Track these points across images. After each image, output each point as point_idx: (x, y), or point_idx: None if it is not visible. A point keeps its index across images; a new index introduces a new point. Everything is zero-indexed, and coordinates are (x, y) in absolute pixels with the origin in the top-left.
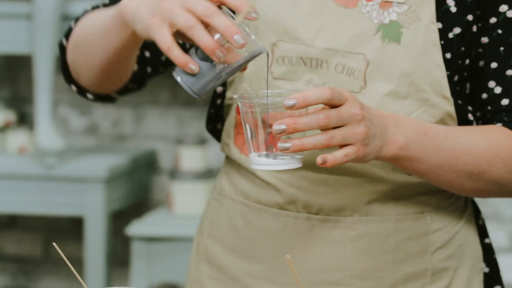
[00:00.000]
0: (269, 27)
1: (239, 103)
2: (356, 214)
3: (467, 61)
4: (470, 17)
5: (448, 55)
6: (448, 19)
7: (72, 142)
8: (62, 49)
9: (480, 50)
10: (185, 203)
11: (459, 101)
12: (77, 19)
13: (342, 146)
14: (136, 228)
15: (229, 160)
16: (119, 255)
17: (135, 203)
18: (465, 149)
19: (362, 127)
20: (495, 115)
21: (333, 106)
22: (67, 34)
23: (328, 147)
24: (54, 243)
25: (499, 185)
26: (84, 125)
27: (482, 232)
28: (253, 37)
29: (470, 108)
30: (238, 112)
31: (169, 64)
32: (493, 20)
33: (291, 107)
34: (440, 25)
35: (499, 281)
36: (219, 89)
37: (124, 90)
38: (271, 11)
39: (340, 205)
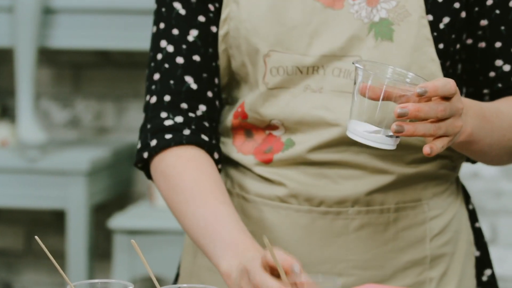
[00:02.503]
0: (260, 37)
1: (359, 70)
2: (357, 205)
3: (458, 46)
4: (457, 5)
5: (441, 46)
6: (437, 10)
7: (54, 135)
8: (142, 160)
9: (480, 32)
10: None
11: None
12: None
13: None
14: (118, 221)
15: (224, 157)
16: (101, 248)
17: (117, 196)
18: (510, 125)
19: (460, 121)
20: (508, 91)
21: (446, 98)
22: (147, 157)
23: (432, 137)
24: (36, 237)
25: None
26: (66, 118)
27: (472, 217)
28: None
29: (464, 89)
30: (235, 116)
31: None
32: (489, 2)
33: (421, 95)
34: (430, 17)
35: (489, 264)
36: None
37: None
38: (261, 22)
39: (341, 197)
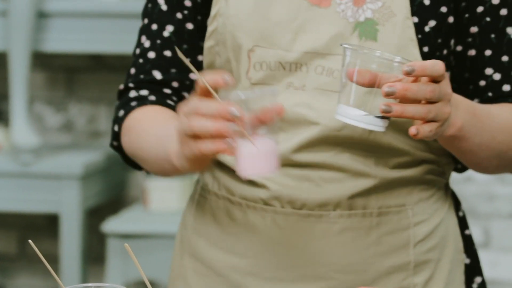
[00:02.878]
0: (245, 32)
1: (347, 51)
2: (339, 208)
3: (445, 52)
4: (444, 9)
5: (426, 49)
6: (423, 13)
7: (47, 139)
8: (116, 134)
9: (470, 39)
10: (160, 200)
11: None
12: (121, 94)
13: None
14: (111, 225)
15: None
16: (94, 252)
17: (110, 200)
18: (500, 128)
19: (449, 107)
20: (498, 100)
21: (434, 80)
22: (119, 121)
23: (422, 120)
24: (30, 241)
25: None
26: (60, 122)
27: (462, 224)
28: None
29: None
30: None
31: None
32: (480, 9)
33: (409, 73)
34: (416, 19)
35: (479, 272)
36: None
37: None
38: (247, 17)
39: (323, 200)
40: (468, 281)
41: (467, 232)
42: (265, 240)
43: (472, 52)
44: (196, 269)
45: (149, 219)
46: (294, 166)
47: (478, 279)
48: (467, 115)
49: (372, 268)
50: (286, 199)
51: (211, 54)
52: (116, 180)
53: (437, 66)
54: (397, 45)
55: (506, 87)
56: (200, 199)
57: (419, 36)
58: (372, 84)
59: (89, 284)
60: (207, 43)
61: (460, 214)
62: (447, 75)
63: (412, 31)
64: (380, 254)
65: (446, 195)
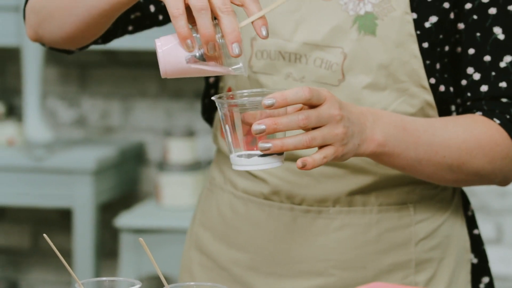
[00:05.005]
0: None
1: (217, 104)
2: (338, 205)
3: (447, 48)
4: (446, 5)
5: (426, 45)
6: (423, 9)
7: (60, 134)
8: None
9: (457, 36)
10: (173, 195)
11: (451, 88)
12: None
13: (321, 146)
14: (124, 220)
15: (218, 150)
16: (107, 247)
17: (123, 195)
18: (444, 142)
19: (341, 127)
20: (475, 103)
21: (312, 106)
22: None
23: (309, 148)
24: (44, 235)
25: (479, 175)
26: (73, 117)
27: (471, 223)
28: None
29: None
30: None
31: (139, 26)
32: (468, 6)
33: (269, 107)
34: (415, 15)
35: (487, 272)
36: (212, 79)
37: (85, 46)
38: None
39: (323, 196)
40: (475, 281)
41: (475, 231)
42: (266, 235)
43: (459, 49)
44: (201, 263)
45: (162, 214)
46: (294, 161)
47: (485, 279)
48: (391, 130)
49: (372, 265)
50: (285, 194)
51: None
52: (129, 175)
53: (300, 92)
54: (395, 40)
55: (484, 88)
56: (208, 193)
57: (418, 32)
58: (244, 122)
59: (103, 278)
60: None
61: (469, 213)
62: (330, 96)
63: (411, 27)
64: (380, 251)
65: (453, 195)
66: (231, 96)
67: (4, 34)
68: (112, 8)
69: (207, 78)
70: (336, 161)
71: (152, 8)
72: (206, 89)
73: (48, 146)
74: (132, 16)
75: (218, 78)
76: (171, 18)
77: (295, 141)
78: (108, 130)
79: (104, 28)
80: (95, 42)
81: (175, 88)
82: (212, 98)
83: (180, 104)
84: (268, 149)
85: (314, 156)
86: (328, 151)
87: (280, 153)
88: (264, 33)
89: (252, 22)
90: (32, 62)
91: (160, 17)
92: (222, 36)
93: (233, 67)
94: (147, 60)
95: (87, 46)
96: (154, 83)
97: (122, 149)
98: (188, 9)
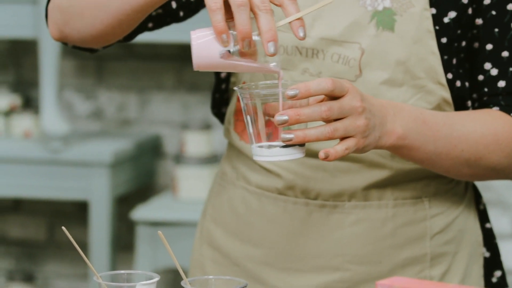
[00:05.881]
0: None
1: (239, 95)
2: (354, 199)
3: (464, 43)
4: (465, 0)
5: (444, 40)
6: (442, 4)
7: (77, 127)
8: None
9: (475, 31)
10: (190, 188)
11: (466, 83)
12: None
13: (342, 138)
14: (140, 212)
15: (230, 145)
16: (123, 240)
17: (140, 188)
18: (463, 136)
19: (363, 119)
20: (492, 98)
21: (334, 97)
22: None
23: (330, 140)
24: (63, 227)
25: (495, 170)
26: (89, 110)
27: (483, 217)
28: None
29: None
30: (238, 99)
31: (159, 23)
32: (487, 1)
33: (292, 97)
34: (434, 11)
35: (499, 265)
36: (223, 74)
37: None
38: None
39: (338, 191)
40: (488, 275)
41: (487, 225)
42: (280, 230)
43: (476, 45)
44: (213, 258)
45: (178, 207)
46: (310, 156)
47: (497, 273)
48: (411, 123)
49: (387, 260)
50: (300, 189)
51: None
52: (145, 168)
53: (322, 83)
54: (413, 37)
55: (501, 83)
56: (219, 189)
57: (437, 27)
58: (266, 114)
59: (121, 271)
60: None
61: (481, 207)
62: (352, 87)
63: (429, 23)
64: (395, 245)
65: (466, 189)
66: (253, 86)
67: (21, 26)
68: (148, 4)
69: (218, 73)
70: (357, 153)
71: (174, 5)
72: (216, 84)
73: (65, 138)
74: (154, 13)
75: (229, 73)
76: (209, 12)
77: (317, 132)
78: (124, 123)
79: (135, 25)
80: (118, 41)
81: (191, 81)
82: (234, 88)
83: (196, 97)
84: (290, 140)
85: (336, 147)
86: (350, 143)
87: (301, 145)
88: (301, 34)
89: (289, 23)
90: (49, 54)
91: (181, 14)
92: (258, 34)
93: (267, 65)
94: (164, 53)
95: (111, 44)
96: (171, 76)
97: (139, 142)
98: (225, 4)
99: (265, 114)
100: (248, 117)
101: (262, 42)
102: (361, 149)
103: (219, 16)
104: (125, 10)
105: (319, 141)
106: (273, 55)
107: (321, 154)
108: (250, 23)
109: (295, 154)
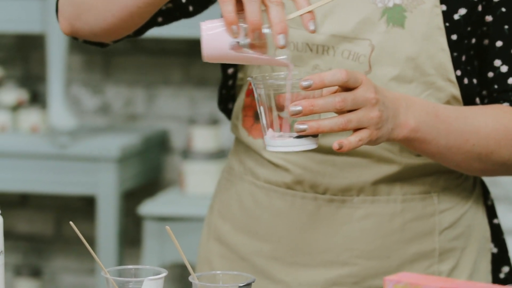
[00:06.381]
0: None
1: (253, 85)
2: (363, 194)
3: (473, 40)
4: None
5: (454, 37)
6: (452, 1)
7: (84, 122)
8: None
9: (485, 28)
10: (197, 183)
11: (474, 80)
12: None
13: (355, 129)
14: (148, 207)
15: (238, 140)
16: (131, 235)
17: (147, 183)
18: (474, 131)
19: (376, 111)
20: (502, 95)
21: (348, 88)
22: None
23: (343, 131)
24: (71, 222)
25: (506, 165)
26: (97, 105)
27: (491, 213)
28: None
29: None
30: (247, 94)
31: (168, 17)
32: None
33: (307, 88)
34: (444, 8)
35: (507, 261)
36: (230, 70)
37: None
38: None
39: (347, 185)
40: (495, 270)
41: (495, 221)
42: (288, 224)
43: (486, 42)
44: (221, 254)
45: (186, 202)
46: (318, 151)
47: (505, 269)
48: (424, 116)
49: (396, 255)
50: (308, 183)
51: None
52: (152, 163)
53: (337, 74)
54: (424, 33)
55: (511, 80)
56: (227, 184)
57: (447, 24)
58: (280, 104)
59: (129, 266)
60: None
61: (489, 203)
62: (366, 79)
63: (440, 19)
64: (404, 240)
65: (474, 184)
66: (267, 77)
67: (28, 21)
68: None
69: (225, 68)
70: (370, 145)
71: None
72: (223, 80)
73: (72, 133)
74: (164, 7)
75: (237, 69)
76: (220, 2)
77: (331, 123)
78: (132, 118)
79: (146, 18)
80: (127, 36)
81: (199, 76)
82: (248, 78)
83: (204, 92)
84: (304, 130)
85: (350, 138)
86: (363, 134)
87: (314, 136)
88: (312, 27)
89: (300, 16)
90: (57, 49)
91: (190, 8)
92: (269, 26)
93: (277, 58)
94: (171, 48)
95: (122, 39)
96: (178, 70)
97: (146, 137)
98: None
99: (278, 104)
100: (261, 108)
101: (273, 34)
102: (374, 141)
103: (230, 7)
104: (136, 3)
105: (332, 132)
106: (283, 47)
107: (335, 145)
108: (261, 14)
109: (308, 145)
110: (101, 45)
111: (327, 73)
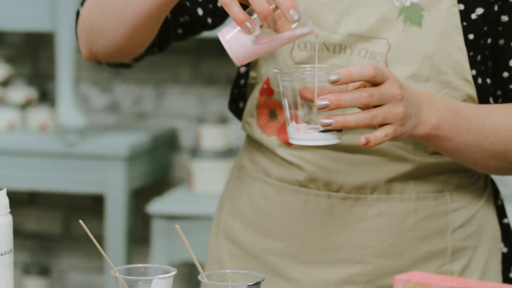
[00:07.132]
0: None
1: (278, 77)
2: (376, 192)
3: (489, 40)
4: None
5: (471, 36)
6: (470, 0)
7: (93, 120)
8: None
9: (500, 28)
10: (205, 182)
11: (487, 80)
12: None
13: (380, 125)
14: (156, 206)
15: (250, 138)
16: (139, 233)
17: (155, 181)
18: (493, 129)
19: (401, 107)
20: None
21: (374, 83)
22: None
23: (368, 127)
24: (80, 221)
25: None
26: (105, 103)
27: (501, 212)
28: (304, 15)
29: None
30: (261, 93)
31: (188, 30)
32: None
33: (335, 82)
34: (462, 7)
35: None
36: (243, 69)
37: (141, 56)
38: None
39: (360, 183)
40: (505, 270)
41: (505, 220)
42: (301, 222)
43: (501, 42)
44: (231, 252)
45: (194, 200)
46: (332, 149)
47: None
48: (445, 114)
49: (408, 253)
50: (322, 181)
51: None
52: (161, 161)
53: (364, 70)
54: (441, 32)
55: None
56: (237, 182)
57: (464, 23)
58: (306, 97)
59: (139, 265)
60: None
61: (499, 202)
62: (392, 75)
63: (457, 19)
64: (417, 239)
65: (486, 184)
66: (293, 69)
67: (37, 19)
68: (156, 8)
69: (238, 68)
70: (393, 141)
71: (200, 11)
72: (236, 79)
73: (81, 131)
74: (181, 20)
75: (249, 68)
76: (224, 7)
77: (357, 118)
78: (140, 116)
79: (153, 32)
80: (152, 52)
81: (208, 74)
82: (275, 70)
83: (213, 91)
84: (330, 124)
85: (376, 133)
86: (388, 130)
87: (338, 130)
88: (296, 17)
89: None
90: (65, 47)
91: (209, 21)
92: (277, 8)
93: (299, 30)
94: (180, 46)
95: (143, 56)
96: (187, 69)
97: (155, 135)
98: None
99: (302, 97)
100: (286, 100)
101: (283, 13)
102: (398, 137)
103: (235, 8)
104: (138, 18)
105: (357, 127)
106: (297, 20)
107: (362, 140)
108: (266, 1)
109: (332, 139)
110: (125, 65)
111: (355, 68)
